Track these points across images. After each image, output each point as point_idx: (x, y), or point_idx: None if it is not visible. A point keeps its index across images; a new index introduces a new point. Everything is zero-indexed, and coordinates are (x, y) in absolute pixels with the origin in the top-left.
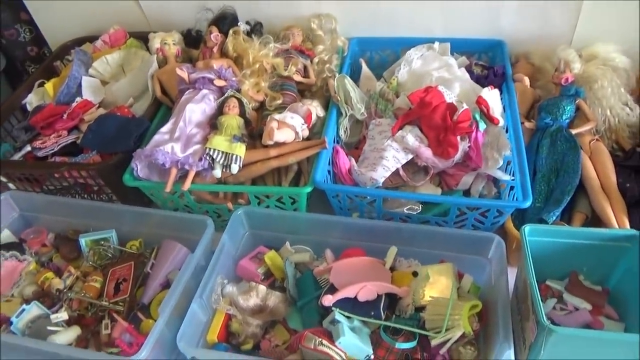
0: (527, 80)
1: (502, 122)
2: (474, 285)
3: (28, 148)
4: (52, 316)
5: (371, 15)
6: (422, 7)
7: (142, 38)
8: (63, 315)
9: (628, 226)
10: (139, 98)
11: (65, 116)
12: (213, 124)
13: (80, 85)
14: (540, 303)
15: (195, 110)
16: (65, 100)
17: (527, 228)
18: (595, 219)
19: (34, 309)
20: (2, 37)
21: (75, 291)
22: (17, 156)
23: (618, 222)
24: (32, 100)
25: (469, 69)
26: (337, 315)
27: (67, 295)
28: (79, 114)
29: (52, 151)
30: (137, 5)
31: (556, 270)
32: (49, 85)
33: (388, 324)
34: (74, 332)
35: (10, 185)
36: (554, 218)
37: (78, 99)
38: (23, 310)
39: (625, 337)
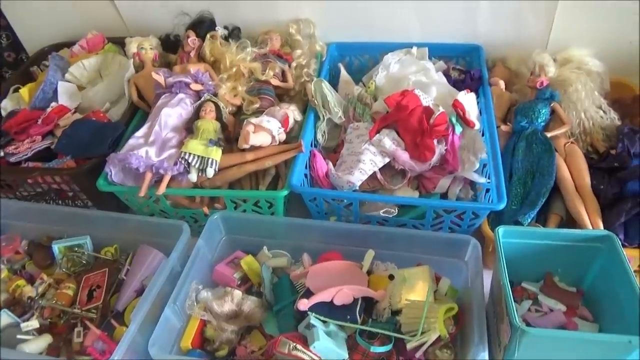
0: (502, 84)
1: (478, 126)
2: (452, 288)
3: (1, 153)
4: (23, 325)
5: (350, 20)
6: (401, 13)
7: (121, 43)
8: (34, 323)
9: (602, 227)
10: (115, 103)
11: (40, 121)
12: (189, 128)
13: (56, 90)
14: (513, 304)
15: (171, 114)
16: (40, 105)
17: (500, 230)
18: (570, 221)
19: (4, 318)
20: None
21: (47, 299)
22: None
23: (592, 223)
24: (6, 106)
25: (446, 73)
26: (313, 319)
27: (38, 303)
28: (54, 119)
29: (26, 156)
30: (116, 10)
31: (531, 272)
32: (24, 91)
33: (363, 327)
34: (45, 340)
35: None
36: (529, 220)
37: (53, 104)
38: None
39: (598, 337)
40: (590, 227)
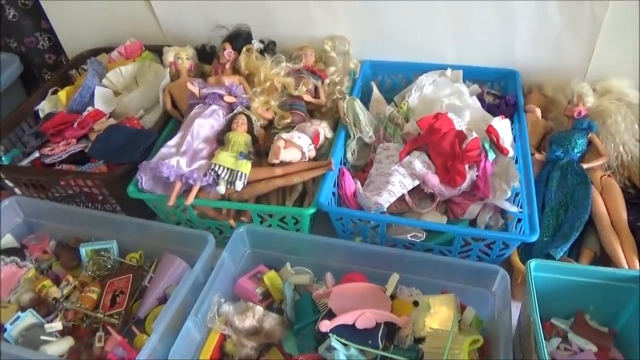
0: (538, 112)
1: (511, 153)
2: (477, 318)
3: (36, 154)
4: (46, 326)
5: (385, 39)
6: (436, 34)
7: (158, 51)
8: (57, 325)
9: (638, 266)
10: (149, 110)
11: (75, 124)
12: (220, 139)
13: (92, 94)
14: (544, 342)
15: (204, 125)
16: (77, 108)
17: (532, 263)
18: (604, 257)
19: (29, 317)
20: (21, 44)
21: (72, 301)
22: (25, 162)
23: (628, 262)
24: (44, 107)
25: (480, 98)
26: (334, 342)
27: (63, 305)
28: (89, 123)
29: (60, 158)
30: (155, 19)
31: (562, 308)
32: (62, 94)
33: (385, 354)
34: (67, 343)
35: (17, 190)
36: (562, 254)
37: (90, 109)
38: (18, 317)
39: None
40: (626, 266)
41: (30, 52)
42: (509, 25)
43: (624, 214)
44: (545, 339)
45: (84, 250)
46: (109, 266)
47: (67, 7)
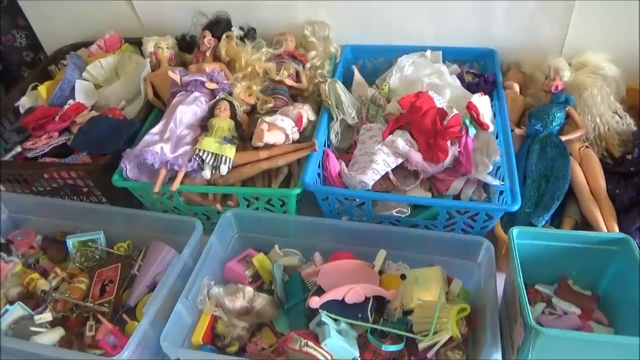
0: (516, 87)
1: (492, 128)
2: (463, 289)
3: (19, 149)
4: (36, 317)
5: (365, 23)
6: (415, 16)
7: (137, 44)
8: (47, 316)
9: (617, 231)
10: (131, 101)
11: (57, 118)
12: (203, 125)
13: (73, 88)
14: (528, 304)
15: (187, 112)
16: (58, 103)
17: (515, 230)
18: (585, 225)
19: (18, 310)
20: None
21: (60, 292)
22: (7, 157)
23: (607, 228)
24: (25, 103)
25: (460, 77)
26: (324, 317)
27: (52, 296)
28: (70, 116)
29: (43, 152)
30: (133, 11)
31: (546, 274)
32: (42, 88)
33: (375, 326)
34: (58, 333)
35: (0, 186)
36: (543, 223)
37: (71, 102)
38: (6, 310)
39: (612, 338)
40: (606, 231)
41: (7, 50)
42: (486, 6)
43: (602, 183)
44: (530, 304)
45: (70, 242)
46: (97, 257)
47: (43, 3)
